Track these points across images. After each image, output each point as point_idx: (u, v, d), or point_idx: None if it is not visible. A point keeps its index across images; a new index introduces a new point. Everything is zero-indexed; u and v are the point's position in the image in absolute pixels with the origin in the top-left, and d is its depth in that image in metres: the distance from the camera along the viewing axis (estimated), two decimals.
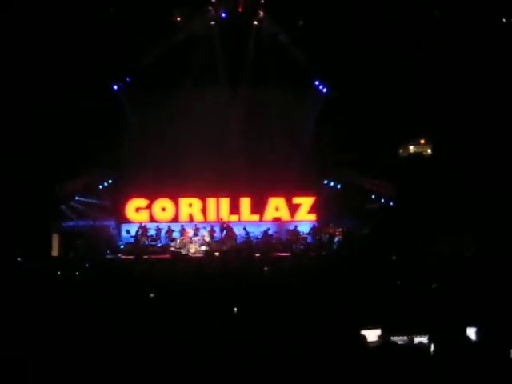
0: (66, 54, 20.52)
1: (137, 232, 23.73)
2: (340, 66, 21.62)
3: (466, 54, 20.44)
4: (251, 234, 23.95)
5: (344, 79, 22.09)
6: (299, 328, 6.35)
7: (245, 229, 24.06)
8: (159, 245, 23.67)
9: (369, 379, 4.79)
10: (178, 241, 23.23)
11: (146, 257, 19.86)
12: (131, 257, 20.99)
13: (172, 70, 22.67)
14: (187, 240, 23.09)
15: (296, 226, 24.40)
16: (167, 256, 20.90)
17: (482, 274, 10.75)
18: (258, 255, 19.54)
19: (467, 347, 5.46)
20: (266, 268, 14.02)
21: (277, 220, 24.89)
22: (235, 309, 7.89)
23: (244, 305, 8.02)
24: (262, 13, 22.18)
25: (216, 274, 12.15)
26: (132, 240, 23.70)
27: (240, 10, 21.99)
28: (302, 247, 23.29)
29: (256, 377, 5.05)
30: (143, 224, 24.04)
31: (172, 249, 22.68)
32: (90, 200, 23.62)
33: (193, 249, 22.69)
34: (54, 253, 21.93)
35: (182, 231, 23.70)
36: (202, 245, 22.94)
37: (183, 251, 22.24)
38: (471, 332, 6.09)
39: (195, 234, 23.45)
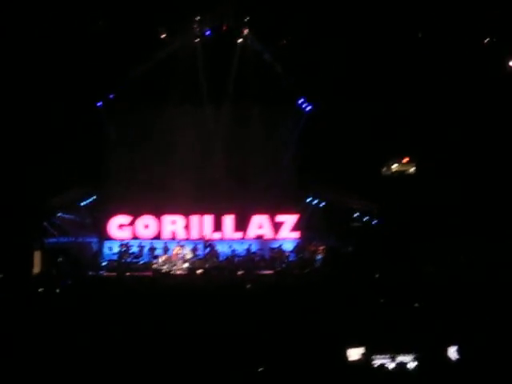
0: (48, 69, 20.49)
1: (119, 250, 23.60)
2: (323, 84, 21.73)
3: (447, 71, 20.64)
4: (236, 252, 23.89)
5: (327, 97, 22.21)
6: (282, 344, 6.34)
7: (231, 247, 24.02)
8: (141, 262, 23.52)
9: None
10: (163, 258, 23.09)
11: (128, 274, 19.76)
12: (113, 274, 20.91)
13: (155, 87, 22.67)
14: (176, 257, 22.94)
15: (280, 245, 24.36)
16: (149, 273, 20.86)
17: (464, 294, 10.80)
18: (240, 273, 19.49)
19: (449, 366, 5.48)
20: (248, 286, 14.01)
21: (260, 237, 24.85)
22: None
23: (226, 320, 8.00)
24: (246, 31, 22.30)
25: (198, 290, 12.14)
26: (114, 257, 23.55)
27: (225, 28, 22.10)
28: (284, 265, 23.26)
29: None
30: (126, 241, 23.91)
31: (154, 266, 22.57)
32: (72, 217, 23.49)
33: (180, 265, 22.54)
34: (36, 270, 21.71)
35: (172, 248, 23.51)
36: (184, 262, 22.84)
37: (166, 268, 22.12)
38: (452, 351, 6.11)
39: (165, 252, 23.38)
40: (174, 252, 23.25)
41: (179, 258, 22.95)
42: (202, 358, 5.95)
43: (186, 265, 22.60)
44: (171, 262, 22.69)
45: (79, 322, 7.93)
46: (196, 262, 23.00)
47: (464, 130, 21.02)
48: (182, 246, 23.46)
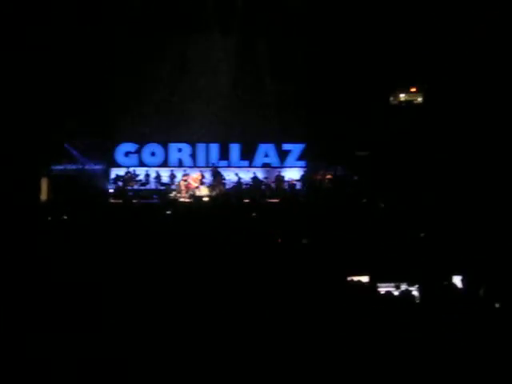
0: None
1: (125, 176, 23.71)
2: (330, 12, 21.53)
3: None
4: (242, 180, 23.98)
5: (337, 25, 21.94)
6: (286, 272, 6.40)
7: (237, 174, 24.11)
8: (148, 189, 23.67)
9: (356, 325, 4.86)
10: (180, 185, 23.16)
11: (135, 201, 19.89)
12: (120, 201, 21.06)
13: (164, 16, 22.43)
14: (194, 185, 23.03)
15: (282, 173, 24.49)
16: (155, 201, 21.05)
17: (469, 224, 10.84)
18: (247, 201, 19.60)
19: (453, 295, 5.55)
20: (253, 214, 14.11)
21: (266, 166, 24.89)
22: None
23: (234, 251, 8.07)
24: None
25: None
26: (120, 184, 23.67)
27: None
28: (290, 193, 23.36)
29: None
30: (132, 169, 24.02)
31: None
32: (79, 144, 23.50)
33: (203, 192, 22.65)
34: (43, 197, 21.86)
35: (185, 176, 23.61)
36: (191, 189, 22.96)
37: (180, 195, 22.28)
38: (457, 280, 6.18)
39: (184, 180, 23.39)
40: (195, 177, 23.35)
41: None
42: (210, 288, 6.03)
43: (190, 192, 22.73)
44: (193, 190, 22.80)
45: (89, 248, 8.01)
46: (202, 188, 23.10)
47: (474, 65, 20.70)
48: (201, 174, 23.56)
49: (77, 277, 6.08)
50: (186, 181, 23.21)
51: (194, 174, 23.53)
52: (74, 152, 23.46)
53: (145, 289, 5.74)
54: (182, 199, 22.17)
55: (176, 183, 23.53)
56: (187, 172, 23.72)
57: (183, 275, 6.25)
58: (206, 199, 21.22)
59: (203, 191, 22.71)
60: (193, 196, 22.06)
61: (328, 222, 11.79)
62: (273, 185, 24.13)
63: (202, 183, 23.26)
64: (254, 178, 24.15)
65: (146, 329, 4.85)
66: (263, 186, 24.03)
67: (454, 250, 8.17)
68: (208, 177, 23.83)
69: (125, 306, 5.25)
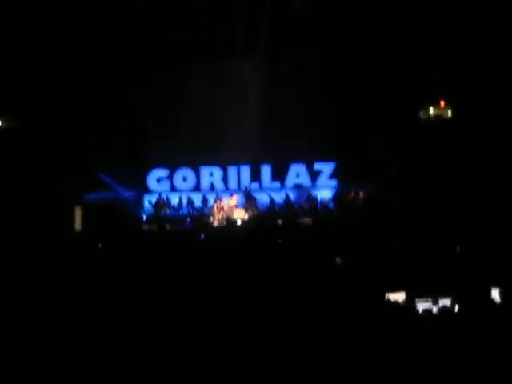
0: None
1: (157, 202, 23.87)
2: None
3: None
4: (275, 201, 23.95)
5: (365, 40, 22.01)
6: (323, 289, 6.38)
7: (269, 196, 24.10)
8: (181, 214, 23.77)
9: (395, 341, 4.82)
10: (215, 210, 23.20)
11: (168, 226, 19.98)
12: (153, 226, 21.18)
13: (191, 40, 22.74)
14: (229, 209, 23.06)
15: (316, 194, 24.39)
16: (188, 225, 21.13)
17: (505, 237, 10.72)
18: (280, 222, 19.59)
19: (491, 308, 5.48)
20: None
21: (298, 186, 24.85)
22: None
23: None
24: None
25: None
26: (153, 210, 23.83)
27: None
28: (324, 213, 23.28)
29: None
30: (164, 195, 24.18)
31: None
32: (112, 172, 23.71)
33: (236, 215, 22.67)
34: (77, 226, 22.02)
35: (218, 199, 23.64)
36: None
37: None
38: (496, 293, 6.09)
39: (217, 203, 23.40)
40: (231, 202, 23.40)
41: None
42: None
43: (224, 215, 22.73)
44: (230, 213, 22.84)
45: (124, 275, 8.06)
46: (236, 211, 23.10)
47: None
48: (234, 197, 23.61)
49: (110, 303, 6.11)
50: (219, 204, 23.23)
51: (229, 198, 23.55)
52: (107, 180, 23.65)
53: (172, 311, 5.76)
54: (215, 223, 22.23)
55: (209, 207, 23.60)
56: (219, 196, 23.75)
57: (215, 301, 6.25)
58: (239, 222, 21.26)
59: (237, 214, 22.70)
60: (227, 220, 22.08)
61: (362, 240, 11.73)
62: (305, 205, 24.08)
63: (235, 206, 23.29)
64: (286, 199, 24.10)
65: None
66: (296, 207, 23.97)
67: (491, 263, 8.07)
68: (240, 199, 23.84)
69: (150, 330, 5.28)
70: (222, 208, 23.07)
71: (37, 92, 21.04)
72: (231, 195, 23.59)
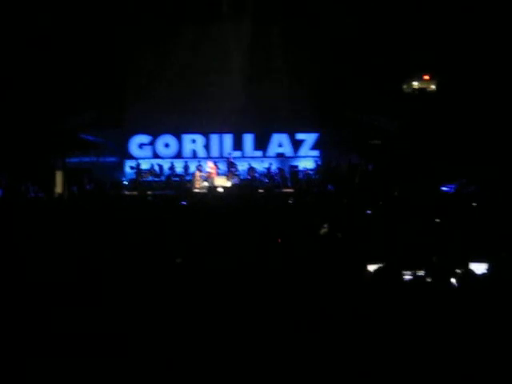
0: None
1: (138, 167, 23.82)
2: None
3: None
4: (256, 170, 23.97)
5: (350, 12, 21.93)
6: (301, 263, 6.38)
7: (250, 165, 24.12)
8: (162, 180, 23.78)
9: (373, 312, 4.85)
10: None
11: (149, 192, 19.96)
12: (135, 193, 21.16)
13: (177, 5, 22.49)
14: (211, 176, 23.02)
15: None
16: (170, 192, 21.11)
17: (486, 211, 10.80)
18: (261, 191, 19.62)
19: (474, 281, 5.51)
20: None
21: (280, 156, 24.86)
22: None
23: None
24: None
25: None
26: (134, 176, 23.77)
27: None
28: (305, 183, 23.34)
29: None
30: (145, 160, 24.14)
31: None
32: (93, 136, 23.58)
33: (218, 182, 22.65)
34: (58, 189, 21.94)
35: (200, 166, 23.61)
36: (205, 180, 22.96)
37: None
38: (476, 267, 6.12)
39: (199, 170, 23.37)
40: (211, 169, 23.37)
41: (201, 176, 23.03)
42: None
43: (206, 183, 22.73)
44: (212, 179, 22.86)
45: (103, 240, 8.04)
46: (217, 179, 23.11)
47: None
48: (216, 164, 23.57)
49: (84, 268, 6.09)
50: (200, 171, 23.19)
51: (209, 164, 23.50)
52: (89, 141, 23.50)
53: (152, 281, 5.74)
54: (196, 190, 22.23)
55: (191, 174, 23.56)
56: (201, 163, 23.70)
57: (197, 266, 6.26)
58: (220, 190, 21.28)
59: (218, 181, 22.68)
60: (208, 186, 22.08)
61: (344, 212, 11.78)
62: (287, 175, 24.11)
63: (216, 174, 23.25)
64: (268, 168, 24.12)
65: (146, 322, 4.85)
66: (277, 176, 23.99)
67: (471, 237, 8.12)
68: (222, 167, 23.81)
69: (126, 297, 5.26)
70: (204, 175, 23.06)
71: (17, 51, 20.77)
72: (213, 163, 23.54)
